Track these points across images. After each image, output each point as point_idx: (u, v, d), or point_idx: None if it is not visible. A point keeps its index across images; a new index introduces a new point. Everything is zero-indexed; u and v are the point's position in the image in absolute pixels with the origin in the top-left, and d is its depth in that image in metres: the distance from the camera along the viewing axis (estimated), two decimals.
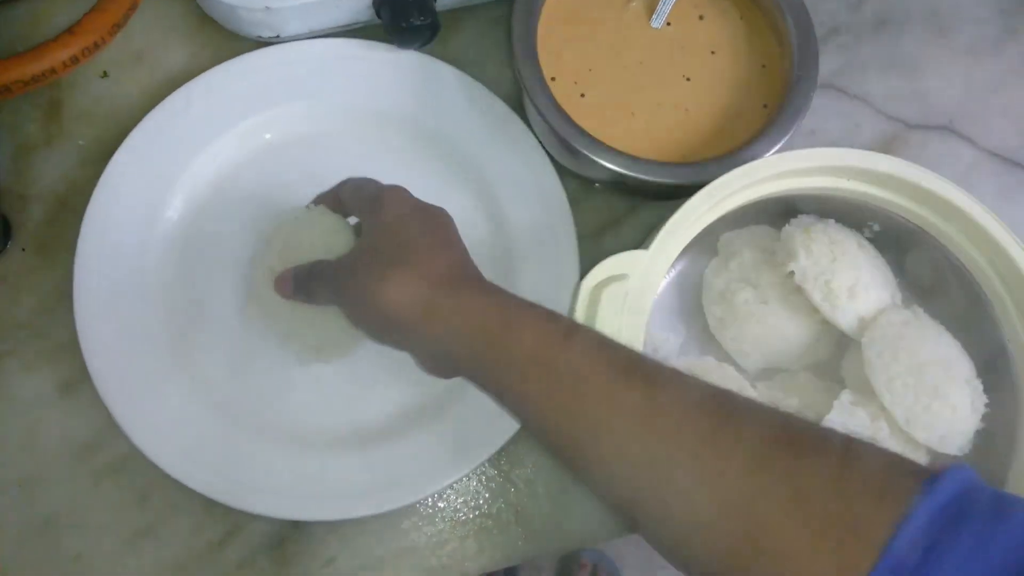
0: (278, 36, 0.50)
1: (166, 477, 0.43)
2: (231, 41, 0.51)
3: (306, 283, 0.41)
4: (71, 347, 0.45)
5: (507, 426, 0.45)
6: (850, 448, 0.30)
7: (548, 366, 0.33)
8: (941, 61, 0.57)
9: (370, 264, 0.37)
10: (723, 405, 0.32)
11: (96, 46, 0.40)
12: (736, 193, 0.43)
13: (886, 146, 0.55)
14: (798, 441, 0.30)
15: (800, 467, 0.29)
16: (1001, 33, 0.58)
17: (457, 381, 0.46)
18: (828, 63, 0.56)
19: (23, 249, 0.48)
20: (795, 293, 0.45)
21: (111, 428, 0.44)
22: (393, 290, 0.35)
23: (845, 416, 0.43)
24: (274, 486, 0.44)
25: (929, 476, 0.28)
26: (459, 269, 0.38)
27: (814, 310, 0.45)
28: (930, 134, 0.56)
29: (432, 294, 0.35)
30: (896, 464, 0.30)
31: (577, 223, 0.49)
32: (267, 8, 0.48)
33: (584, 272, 0.41)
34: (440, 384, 0.47)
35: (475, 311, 0.35)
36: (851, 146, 0.45)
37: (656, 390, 0.32)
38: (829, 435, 0.31)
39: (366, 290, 0.36)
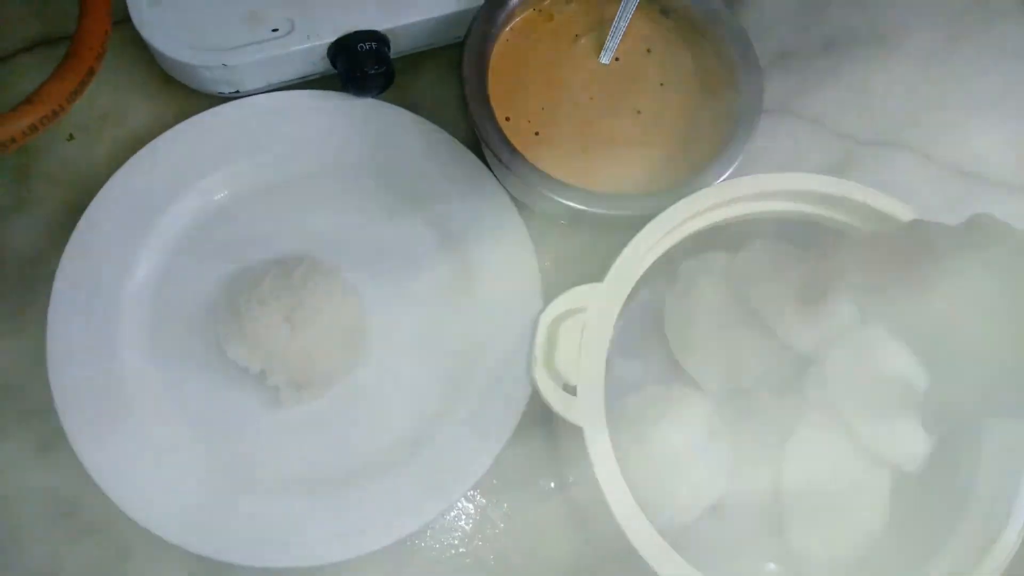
0: (237, 91, 0.51)
1: (145, 532, 0.44)
2: (193, 98, 0.52)
3: None
4: (47, 409, 0.45)
5: (479, 462, 0.46)
6: None
7: None
8: (889, 77, 0.59)
9: None
10: None
11: (55, 114, 0.41)
12: (689, 221, 0.44)
13: (839, 164, 0.56)
14: None
15: None
16: (944, 44, 0.60)
17: (427, 419, 0.47)
18: (779, 87, 0.57)
19: None
20: (755, 317, 0.46)
21: (89, 487, 0.44)
22: None
23: (809, 436, 0.43)
24: (251, 535, 0.44)
25: None
26: None
27: (774, 333, 0.45)
28: (881, 150, 0.57)
29: None
30: None
31: (542, 258, 0.50)
32: (224, 65, 0.49)
33: None
34: (409, 425, 0.47)
35: None
36: (805, 166, 0.46)
37: None
38: None
39: None
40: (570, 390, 0.39)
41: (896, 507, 0.44)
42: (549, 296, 0.49)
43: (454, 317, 0.50)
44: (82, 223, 0.48)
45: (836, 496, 0.42)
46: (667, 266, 0.47)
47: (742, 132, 0.48)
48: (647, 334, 0.49)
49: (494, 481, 0.48)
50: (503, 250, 0.50)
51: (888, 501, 0.44)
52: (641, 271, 0.42)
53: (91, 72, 0.42)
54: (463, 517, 0.47)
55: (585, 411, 0.39)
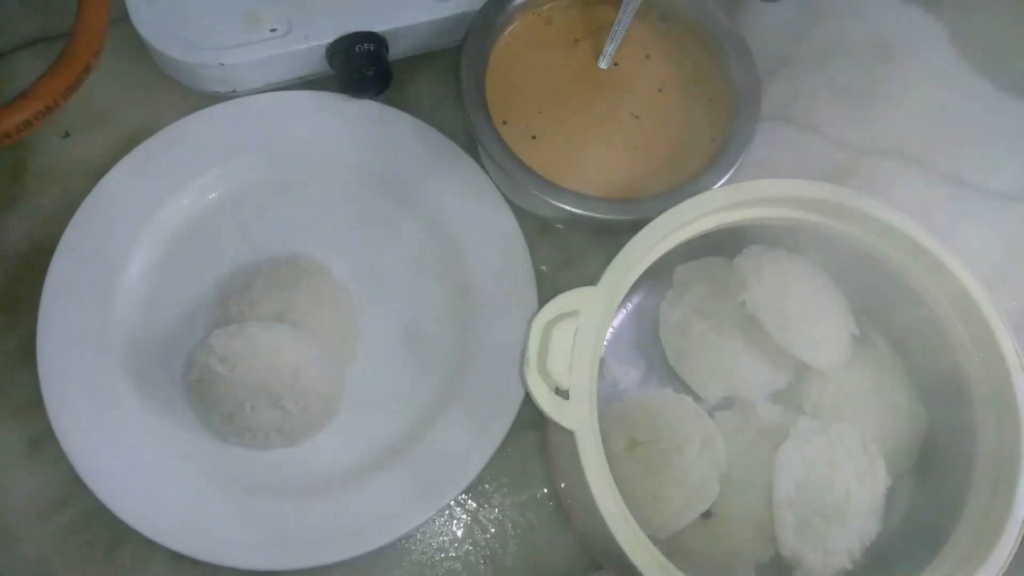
0: (235, 91, 0.51)
1: (133, 531, 0.43)
2: (190, 97, 0.52)
3: None
4: (37, 404, 0.45)
5: (471, 466, 0.45)
6: None
7: None
8: (889, 89, 0.59)
9: None
10: None
11: (49, 110, 0.41)
12: (684, 226, 0.43)
13: (838, 174, 0.56)
14: None
15: None
16: (948, 59, 0.60)
17: (419, 422, 0.47)
18: (777, 95, 0.57)
19: None
20: (750, 323, 0.46)
21: (78, 483, 0.44)
22: None
23: (802, 443, 0.43)
24: (240, 537, 0.44)
25: None
26: None
27: (770, 339, 0.45)
28: (881, 160, 0.57)
29: None
30: None
31: (538, 261, 0.50)
32: (221, 64, 0.49)
33: None
34: (400, 426, 0.47)
35: None
36: (803, 175, 0.46)
37: None
38: None
39: None
40: (562, 394, 0.39)
41: (890, 514, 0.44)
42: (544, 299, 0.49)
43: (447, 319, 0.49)
44: (75, 220, 0.48)
45: (828, 503, 0.42)
46: (663, 270, 0.47)
47: (740, 139, 0.48)
48: (641, 338, 0.49)
49: (485, 485, 0.48)
50: (498, 252, 0.50)
51: (882, 508, 0.43)
52: (636, 275, 0.42)
53: (87, 69, 0.42)
54: (454, 521, 0.47)
55: (577, 415, 0.38)
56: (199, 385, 0.44)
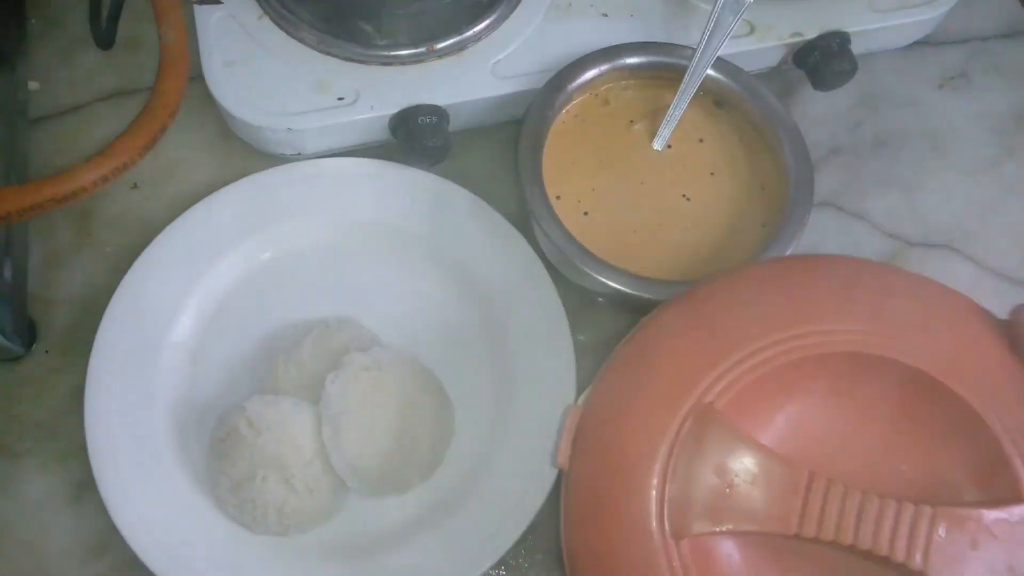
0: (299, 153, 0.53)
1: None
2: (255, 157, 0.54)
3: None
4: (84, 450, 0.46)
5: (503, 540, 0.45)
6: None
7: None
8: (940, 180, 0.59)
9: None
10: None
11: (125, 166, 0.42)
12: None
13: (887, 262, 0.56)
14: None
15: None
16: (998, 153, 0.60)
17: (452, 491, 0.47)
18: (828, 182, 0.58)
19: (47, 351, 0.50)
20: None
21: (118, 532, 0.44)
22: None
23: None
24: None
25: None
26: None
27: None
28: (930, 252, 0.57)
29: None
30: None
31: (579, 336, 0.50)
32: (289, 129, 0.51)
33: (582, 386, 0.42)
34: (435, 496, 0.47)
35: None
36: None
37: None
38: None
39: None
40: None
41: None
42: (586, 375, 0.49)
43: (486, 389, 0.49)
44: (133, 270, 0.49)
45: None
46: None
47: (791, 226, 0.48)
48: None
49: (520, 560, 0.47)
50: (540, 328, 0.49)
51: None
52: None
53: (163, 128, 0.43)
54: None
55: None
56: (222, 444, 0.45)
